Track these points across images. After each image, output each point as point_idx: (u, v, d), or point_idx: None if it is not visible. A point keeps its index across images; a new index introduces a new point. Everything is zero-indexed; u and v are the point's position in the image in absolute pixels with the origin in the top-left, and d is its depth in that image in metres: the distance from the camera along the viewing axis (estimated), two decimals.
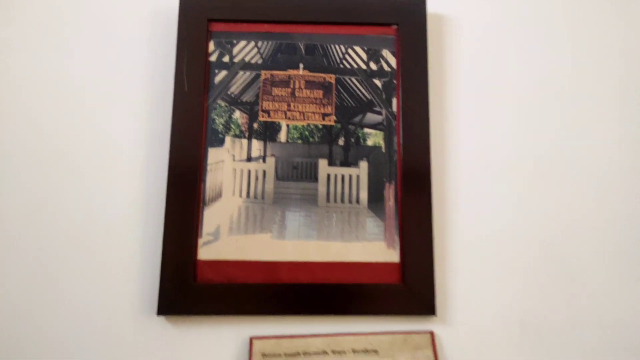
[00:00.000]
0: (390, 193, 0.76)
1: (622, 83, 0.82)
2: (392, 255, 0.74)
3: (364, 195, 0.76)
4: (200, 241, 0.73)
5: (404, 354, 0.69)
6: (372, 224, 0.75)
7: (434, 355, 0.69)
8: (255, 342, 0.69)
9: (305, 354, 0.69)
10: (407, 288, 0.73)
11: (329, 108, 0.78)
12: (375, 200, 0.76)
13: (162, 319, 0.70)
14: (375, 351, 0.70)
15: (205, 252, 0.73)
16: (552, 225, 0.77)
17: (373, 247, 0.74)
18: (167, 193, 0.72)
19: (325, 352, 0.69)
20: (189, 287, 0.71)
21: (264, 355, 0.68)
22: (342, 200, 0.76)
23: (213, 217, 0.74)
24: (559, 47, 0.83)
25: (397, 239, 0.75)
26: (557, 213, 0.77)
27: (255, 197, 0.75)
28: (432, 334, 0.71)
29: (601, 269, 0.76)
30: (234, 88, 0.78)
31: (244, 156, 0.76)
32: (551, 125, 0.80)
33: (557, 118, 0.80)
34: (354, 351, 0.69)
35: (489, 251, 0.76)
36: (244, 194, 0.75)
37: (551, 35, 0.83)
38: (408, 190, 0.75)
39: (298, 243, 0.74)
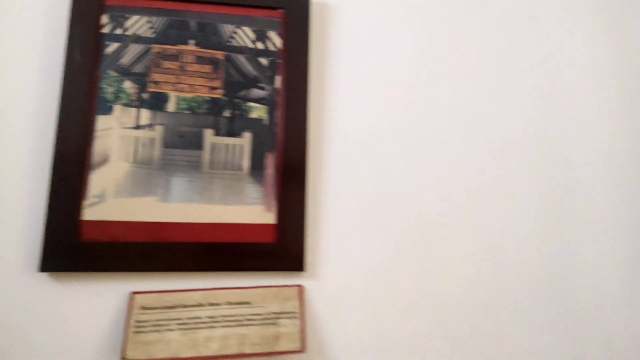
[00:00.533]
0: (270, 162, 0.85)
1: (495, 57, 0.94)
2: (269, 218, 0.83)
3: (246, 163, 0.84)
4: (86, 203, 0.78)
5: (274, 305, 0.79)
6: (252, 189, 0.83)
7: (301, 305, 0.79)
8: (136, 296, 0.76)
9: (183, 306, 0.76)
10: (281, 247, 0.82)
11: (217, 82, 0.86)
12: (257, 169, 0.84)
13: (45, 275, 0.75)
14: (248, 302, 0.78)
15: (91, 213, 0.78)
16: (417, 197, 0.88)
17: (252, 210, 0.83)
18: (54, 156, 0.77)
19: (201, 305, 0.77)
20: (73, 244, 0.76)
21: (143, 307, 0.75)
22: (226, 168, 0.83)
23: (100, 181, 0.79)
24: (435, 30, 0.94)
25: (274, 203, 0.83)
26: (419, 184, 0.89)
27: (142, 162, 0.81)
28: (300, 287, 0.81)
29: (448, 226, 0.89)
30: (126, 59, 0.84)
31: (133, 124, 0.82)
32: (424, 103, 0.92)
33: (430, 98, 0.92)
34: (229, 303, 0.78)
35: (356, 217, 0.86)
36: (131, 159, 0.81)
37: (427, 19, 0.95)
38: (287, 160, 0.84)
39: (181, 206, 0.81)
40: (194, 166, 0.82)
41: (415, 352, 0.84)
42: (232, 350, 0.74)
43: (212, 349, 0.74)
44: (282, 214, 0.83)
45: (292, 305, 0.79)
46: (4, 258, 0.75)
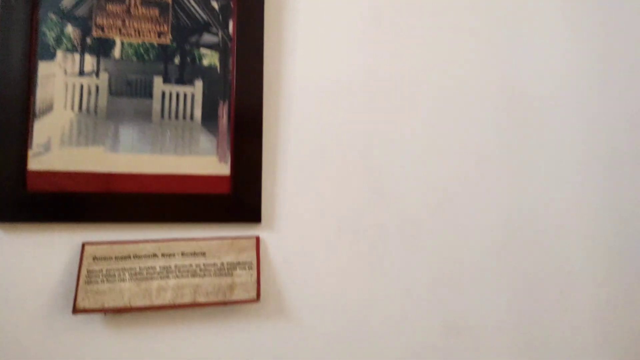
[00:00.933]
0: (224, 111, 0.83)
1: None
2: (223, 169, 0.82)
3: (198, 112, 0.82)
4: (30, 152, 0.76)
5: (229, 255, 0.79)
6: (205, 139, 0.82)
7: (257, 256, 0.79)
8: (87, 247, 0.75)
9: (136, 256, 0.76)
10: (237, 198, 0.81)
11: (165, 27, 0.82)
12: (209, 118, 0.83)
13: None
14: (203, 253, 0.78)
15: (36, 163, 0.76)
16: (377, 149, 0.88)
17: (205, 160, 0.82)
18: None
19: (155, 255, 0.77)
20: (18, 194, 0.74)
21: (94, 258, 0.75)
22: (177, 117, 0.81)
23: (44, 130, 0.77)
24: None
25: (228, 153, 0.82)
26: (380, 136, 0.88)
27: (87, 111, 0.79)
28: (257, 238, 0.81)
29: (408, 177, 0.89)
30: (67, 2, 0.80)
31: (76, 71, 0.79)
32: (388, 52, 0.90)
33: (393, 48, 0.90)
34: (183, 254, 0.78)
35: (314, 169, 0.86)
36: (76, 107, 0.78)
37: None
38: (241, 109, 0.83)
39: (132, 156, 0.79)
40: (144, 115, 0.80)
41: (374, 309, 0.86)
42: (186, 299, 0.75)
43: (166, 299, 0.74)
44: (236, 164, 0.82)
45: (248, 256, 0.79)
46: None
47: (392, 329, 0.85)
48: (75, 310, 0.71)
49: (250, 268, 0.79)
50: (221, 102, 0.83)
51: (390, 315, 0.86)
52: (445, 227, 0.90)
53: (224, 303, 0.76)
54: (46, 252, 0.75)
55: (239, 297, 0.77)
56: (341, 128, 0.88)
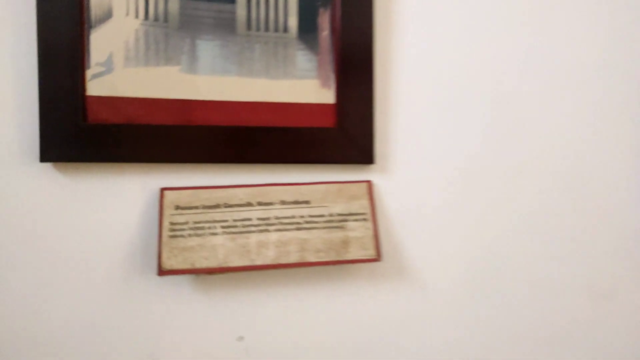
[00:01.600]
0: (325, 21, 0.65)
1: None
2: (326, 96, 0.65)
3: (293, 22, 0.64)
4: (89, 73, 0.60)
5: (338, 204, 0.64)
6: (303, 58, 0.65)
7: (371, 205, 0.64)
8: (166, 193, 0.60)
9: (227, 205, 0.61)
10: (343, 133, 0.65)
11: None
12: (307, 30, 0.65)
13: (48, 166, 0.59)
14: (307, 202, 0.63)
15: (96, 87, 0.60)
16: (503, 73, 0.70)
17: (304, 85, 0.65)
18: (38, 11, 0.57)
19: (250, 204, 0.62)
20: (78, 128, 0.59)
21: (177, 207, 0.60)
22: (267, 28, 0.64)
23: (103, 43, 0.60)
24: None
25: (332, 76, 0.65)
26: (507, 60, 0.70)
27: (155, 18, 0.61)
28: (369, 183, 0.65)
29: (548, 112, 0.72)
30: None
31: None
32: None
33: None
34: (283, 202, 0.63)
35: (436, 94, 0.69)
36: (141, 14, 0.61)
37: None
38: (347, 16, 0.65)
39: (214, 79, 0.62)
40: (226, 25, 0.63)
41: (508, 269, 0.71)
42: (293, 258, 0.61)
43: (268, 257, 0.60)
44: (343, 90, 0.65)
45: (361, 205, 0.64)
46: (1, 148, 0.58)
47: (529, 292, 0.72)
48: (161, 271, 0.58)
49: (365, 219, 0.64)
50: (321, 9, 0.65)
51: (528, 277, 0.72)
52: (592, 173, 0.74)
53: (338, 262, 0.62)
54: (116, 200, 0.61)
55: (356, 255, 0.63)
56: (470, 49, 0.70)
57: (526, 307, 0.73)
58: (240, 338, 0.64)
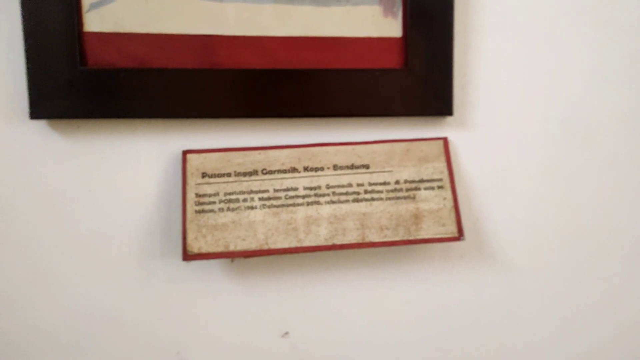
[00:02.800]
0: None
1: None
2: (391, 26, 0.51)
3: None
4: (85, 1, 0.47)
5: (405, 168, 0.51)
6: None
7: (448, 170, 0.51)
8: (190, 157, 0.49)
9: (267, 172, 0.49)
10: (413, 76, 0.52)
11: None
12: None
13: (41, 124, 0.47)
14: (366, 166, 0.51)
15: (96, 20, 0.47)
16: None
17: (362, 13, 0.51)
18: None
19: (295, 169, 0.50)
20: (75, 74, 0.47)
21: (204, 175, 0.48)
22: None
23: None
24: None
25: (399, 1, 0.51)
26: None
27: None
28: (445, 140, 0.52)
29: None
30: None
31: None
32: None
33: None
34: (336, 167, 0.50)
35: (531, 25, 0.53)
36: None
37: None
38: None
39: (245, 7, 0.49)
40: None
41: (618, 248, 0.57)
42: (351, 237, 0.49)
43: (320, 236, 0.48)
44: (413, 20, 0.51)
45: (436, 169, 0.51)
46: None
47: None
48: (187, 255, 0.46)
49: (441, 187, 0.51)
50: None
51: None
52: None
53: (409, 242, 0.50)
54: (128, 166, 0.50)
55: (431, 233, 0.50)
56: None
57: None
58: (286, 334, 0.54)
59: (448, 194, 0.53)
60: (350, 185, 0.52)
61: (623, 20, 0.57)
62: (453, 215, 0.52)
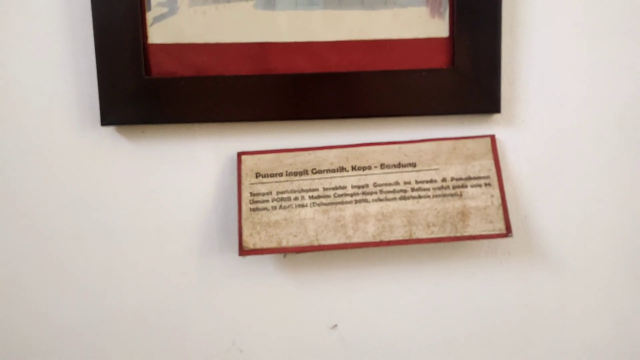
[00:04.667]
0: None
1: None
2: (438, 27, 0.55)
3: None
4: (149, 15, 0.54)
5: (452, 166, 0.55)
6: None
7: (496, 167, 0.54)
8: (245, 158, 0.55)
9: (316, 171, 0.54)
10: (460, 74, 0.56)
11: None
12: None
13: (110, 130, 0.54)
14: (413, 164, 0.55)
15: (159, 32, 0.54)
16: None
17: (409, 14, 0.55)
18: None
19: (343, 169, 0.55)
20: (140, 83, 0.54)
21: (258, 175, 0.54)
22: None
23: None
24: None
25: (446, 1, 0.54)
26: None
27: None
28: (493, 138, 0.55)
29: None
30: None
31: None
32: None
33: None
34: (383, 166, 0.55)
35: (586, 18, 0.55)
36: None
37: None
38: None
39: (295, 14, 0.54)
40: None
41: None
42: (398, 233, 0.53)
43: (368, 233, 0.53)
44: (460, 19, 0.54)
45: (483, 166, 0.55)
46: (58, 110, 0.54)
47: None
48: (244, 250, 0.52)
49: (488, 185, 0.55)
50: None
51: None
52: None
53: (457, 239, 0.53)
54: (187, 167, 0.56)
55: (478, 229, 0.54)
56: None
57: None
58: (334, 326, 0.59)
59: (495, 191, 0.56)
60: (397, 183, 0.56)
61: None
62: (501, 212, 0.55)
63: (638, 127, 0.59)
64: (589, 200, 0.59)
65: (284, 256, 0.58)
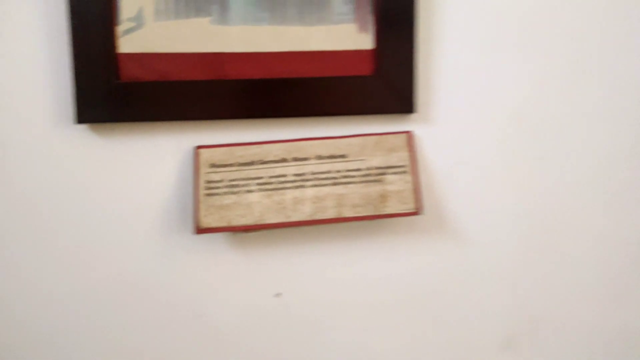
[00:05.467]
0: None
1: None
2: (364, 41, 0.68)
3: None
4: (120, 29, 0.65)
5: (375, 157, 0.68)
6: (338, 1, 0.66)
7: (411, 157, 0.67)
8: (201, 151, 0.66)
9: (262, 162, 0.66)
10: (382, 80, 0.68)
11: None
12: None
13: (84, 128, 0.65)
14: (344, 156, 0.67)
15: (128, 43, 0.65)
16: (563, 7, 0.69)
17: (341, 31, 0.67)
18: None
19: (285, 160, 0.67)
20: (111, 87, 0.65)
21: (212, 165, 0.66)
22: None
23: None
24: None
25: (371, 19, 0.67)
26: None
27: None
28: (409, 133, 0.68)
29: (618, 44, 0.71)
30: None
31: None
32: None
33: None
34: (319, 157, 0.67)
35: (485, 34, 0.69)
36: None
37: None
38: None
39: (245, 29, 0.66)
40: None
41: (559, 221, 0.73)
42: (329, 213, 0.66)
43: (304, 213, 0.65)
44: (382, 34, 0.68)
45: (400, 157, 0.68)
46: (36, 110, 0.65)
47: (588, 249, 0.74)
48: (199, 229, 0.64)
49: (404, 172, 0.67)
50: None
51: (587, 232, 0.74)
52: None
53: (377, 217, 0.66)
54: (152, 159, 0.68)
55: (394, 209, 0.67)
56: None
57: (585, 265, 0.75)
58: (278, 294, 0.71)
59: (410, 177, 0.69)
60: (330, 172, 0.69)
61: (560, 28, 0.72)
62: (413, 195, 0.69)
63: (529, 123, 0.73)
64: (490, 185, 0.73)
65: (234, 234, 0.70)
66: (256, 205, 0.67)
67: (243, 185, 0.68)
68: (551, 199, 0.74)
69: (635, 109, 0.74)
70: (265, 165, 0.68)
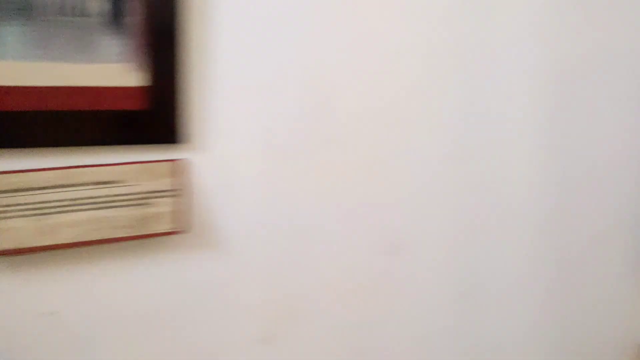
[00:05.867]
0: (133, 6, 0.76)
1: None
2: (135, 78, 0.76)
3: (96, 6, 0.74)
4: None
5: (144, 183, 0.77)
6: (110, 42, 0.75)
7: (177, 182, 0.77)
8: None
9: (32, 188, 0.72)
10: (153, 115, 0.78)
11: None
12: (115, 14, 0.75)
13: None
14: (112, 182, 0.76)
15: None
16: (317, 46, 0.86)
17: (112, 69, 0.76)
18: None
19: (55, 186, 0.73)
20: None
21: None
22: (65, 13, 0.73)
23: None
24: None
25: (142, 58, 0.76)
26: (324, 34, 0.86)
27: None
28: (176, 161, 0.78)
29: (364, 81, 0.88)
30: None
31: None
32: None
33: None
34: (90, 183, 0.75)
35: (250, 73, 0.83)
36: None
37: None
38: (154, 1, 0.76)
39: (19, 64, 0.72)
40: (25, 10, 0.72)
41: (313, 235, 0.88)
42: (92, 235, 0.74)
43: (68, 235, 0.72)
44: (154, 72, 0.78)
45: (168, 182, 0.77)
46: None
47: (331, 251, 0.90)
48: None
49: (169, 196, 0.77)
50: None
51: (330, 237, 0.90)
52: (391, 145, 0.92)
53: (138, 237, 0.76)
54: None
55: (156, 229, 0.77)
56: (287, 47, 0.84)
57: (329, 264, 0.92)
58: (52, 313, 0.76)
59: (174, 200, 0.79)
60: (98, 197, 0.76)
61: (325, 64, 0.87)
62: (176, 216, 0.78)
63: (291, 151, 0.87)
64: (253, 204, 0.86)
65: (6, 258, 0.74)
66: (22, 231, 0.72)
67: (12, 211, 0.72)
68: (303, 211, 0.90)
69: (383, 137, 0.91)
70: (35, 192, 0.74)
